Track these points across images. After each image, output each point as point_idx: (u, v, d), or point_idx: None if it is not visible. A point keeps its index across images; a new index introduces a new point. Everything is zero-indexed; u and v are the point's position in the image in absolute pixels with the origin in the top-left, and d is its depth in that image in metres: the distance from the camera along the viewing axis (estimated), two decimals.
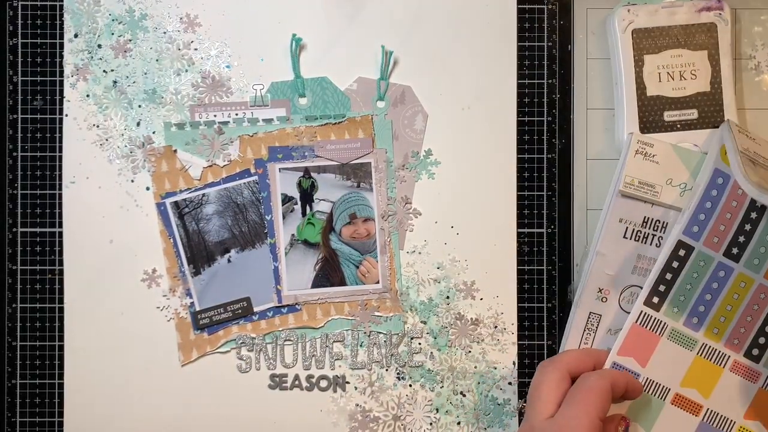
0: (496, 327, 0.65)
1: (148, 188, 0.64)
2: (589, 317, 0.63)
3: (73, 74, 0.63)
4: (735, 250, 0.59)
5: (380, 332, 0.64)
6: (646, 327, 0.60)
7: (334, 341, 0.64)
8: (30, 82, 0.64)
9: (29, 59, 0.64)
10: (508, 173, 0.65)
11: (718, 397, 0.60)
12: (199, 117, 0.63)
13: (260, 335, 0.64)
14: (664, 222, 0.63)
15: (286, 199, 0.64)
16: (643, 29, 0.62)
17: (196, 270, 0.64)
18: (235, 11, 0.64)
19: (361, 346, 0.64)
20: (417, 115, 0.64)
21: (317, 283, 0.64)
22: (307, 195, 0.64)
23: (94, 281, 0.63)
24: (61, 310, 0.64)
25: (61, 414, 0.64)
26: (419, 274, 0.65)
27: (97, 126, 0.63)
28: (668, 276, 0.60)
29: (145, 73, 0.64)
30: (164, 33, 0.64)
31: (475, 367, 0.65)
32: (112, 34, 0.63)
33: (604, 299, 0.62)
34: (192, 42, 0.64)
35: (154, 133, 0.64)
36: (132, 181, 0.64)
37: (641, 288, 0.61)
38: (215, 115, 0.64)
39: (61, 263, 0.64)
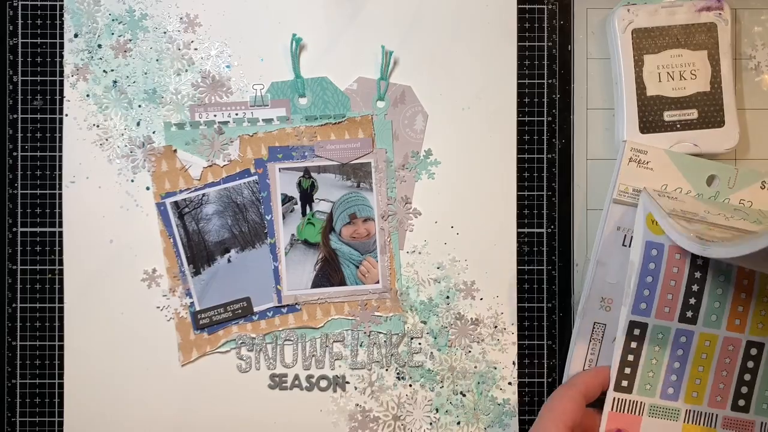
0: (496, 327, 0.65)
1: (148, 188, 0.64)
2: (594, 327, 0.63)
3: (73, 74, 0.63)
4: (689, 314, 0.58)
5: (380, 332, 0.64)
6: (623, 411, 0.59)
7: (334, 341, 0.64)
8: (30, 82, 0.64)
9: (29, 59, 0.64)
10: (508, 173, 0.65)
11: None
12: (199, 117, 0.63)
13: (260, 335, 0.64)
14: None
15: (286, 199, 0.64)
16: (643, 29, 0.62)
17: (196, 270, 0.64)
18: (235, 11, 0.64)
19: (361, 346, 0.64)
20: (417, 115, 0.64)
21: (317, 283, 0.64)
22: (307, 195, 0.64)
23: (94, 281, 0.63)
24: (61, 310, 0.64)
25: (61, 414, 0.64)
26: (419, 274, 0.65)
27: (97, 126, 0.63)
28: (630, 358, 0.59)
29: (145, 73, 0.64)
30: (164, 33, 0.64)
31: (475, 367, 0.65)
32: (112, 34, 0.63)
33: (607, 308, 0.62)
34: (192, 42, 0.64)
35: (154, 133, 0.64)
36: (132, 181, 0.64)
37: None
38: (215, 115, 0.64)
39: (61, 263, 0.64)
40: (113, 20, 0.63)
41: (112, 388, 0.64)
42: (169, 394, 0.64)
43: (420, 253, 0.65)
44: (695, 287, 0.58)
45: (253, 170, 0.64)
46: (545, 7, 0.65)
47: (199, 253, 0.64)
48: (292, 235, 0.64)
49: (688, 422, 0.59)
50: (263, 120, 0.64)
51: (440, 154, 0.64)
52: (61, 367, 0.64)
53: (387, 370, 0.65)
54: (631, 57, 0.63)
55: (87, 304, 0.63)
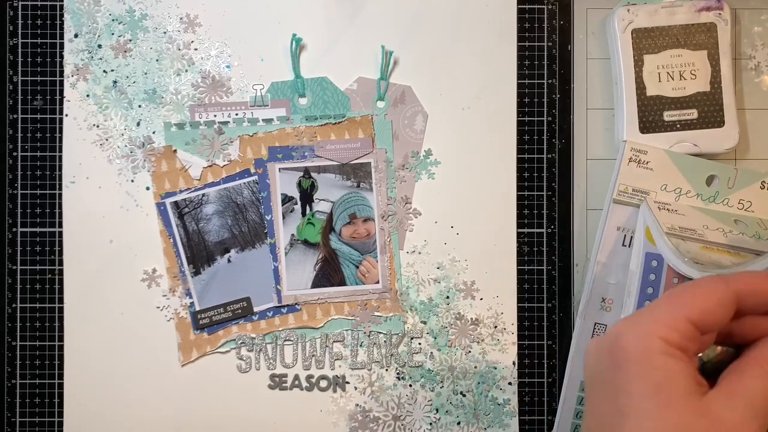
0: (496, 327, 0.65)
1: (148, 188, 0.64)
2: (594, 328, 0.63)
3: (73, 74, 0.63)
4: None
5: (380, 332, 0.64)
6: None
7: (334, 341, 0.64)
8: (30, 82, 0.64)
9: (29, 59, 0.64)
10: (508, 173, 0.65)
11: None
12: (199, 117, 0.63)
13: (260, 335, 0.64)
14: None
15: (286, 199, 0.64)
16: (643, 29, 0.62)
17: (196, 270, 0.64)
18: (235, 11, 0.64)
19: (361, 346, 0.64)
20: (417, 115, 0.64)
21: (317, 283, 0.64)
22: (307, 195, 0.64)
23: (94, 281, 0.63)
24: (61, 310, 0.64)
25: (61, 414, 0.64)
26: (419, 274, 0.65)
27: (97, 126, 0.63)
28: None
29: (145, 73, 0.64)
30: (164, 33, 0.64)
31: (475, 367, 0.64)
32: (112, 34, 0.63)
33: (608, 309, 0.62)
34: (192, 42, 0.64)
35: (154, 133, 0.64)
36: (132, 181, 0.64)
37: None
38: (215, 115, 0.64)
39: (61, 263, 0.64)
40: (113, 20, 0.63)
41: (112, 388, 0.64)
42: (169, 394, 0.64)
43: (420, 253, 0.65)
44: None
45: (253, 170, 0.64)
46: (545, 7, 0.65)
47: (199, 253, 0.64)
48: (292, 235, 0.64)
49: None
50: (263, 120, 0.64)
51: (440, 154, 0.64)
52: (61, 367, 0.64)
53: (387, 370, 0.65)
54: (631, 57, 0.63)
55: (87, 304, 0.63)
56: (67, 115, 0.63)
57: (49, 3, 0.64)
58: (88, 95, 0.63)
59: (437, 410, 0.64)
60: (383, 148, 0.64)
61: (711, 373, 0.39)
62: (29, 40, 0.64)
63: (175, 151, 0.63)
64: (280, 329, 0.64)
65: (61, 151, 0.64)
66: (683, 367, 0.36)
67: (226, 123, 0.64)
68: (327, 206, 0.64)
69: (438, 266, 0.65)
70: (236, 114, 0.64)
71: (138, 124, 0.64)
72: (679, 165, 0.62)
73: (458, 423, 0.65)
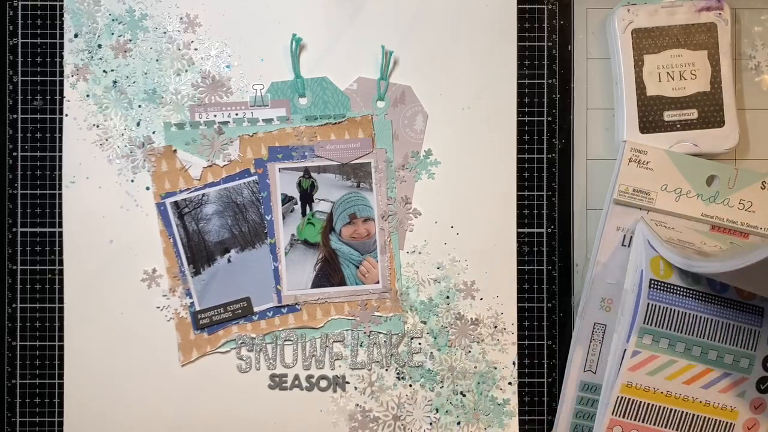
0: (496, 327, 0.65)
1: (148, 188, 0.64)
2: (594, 328, 0.63)
3: (73, 74, 0.63)
4: None
5: (380, 332, 0.64)
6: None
7: (334, 341, 0.64)
8: (30, 82, 0.64)
9: (29, 59, 0.64)
10: (508, 173, 0.65)
11: None
12: (199, 117, 0.63)
13: (260, 335, 0.64)
14: None
15: (286, 199, 0.64)
16: (643, 29, 0.63)
17: (196, 270, 0.64)
18: (235, 11, 0.64)
19: (361, 346, 0.64)
20: (417, 115, 0.64)
21: (317, 283, 0.64)
22: (307, 195, 0.64)
23: (94, 281, 0.63)
24: (61, 310, 0.64)
25: (61, 414, 0.64)
26: (419, 274, 0.65)
27: (97, 126, 0.63)
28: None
29: (145, 73, 0.64)
30: (164, 33, 0.64)
31: (475, 367, 0.65)
32: (112, 34, 0.63)
33: (607, 308, 0.62)
34: (192, 42, 0.64)
35: (154, 133, 0.64)
36: (132, 181, 0.64)
37: None
38: (215, 115, 0.64)
39: (61, 263, 0.64)
40: (113, 20, 0.63)
41: (112, 388, 0.64)
42: (169, 394, 0.64)
43: (420, 253, 0.65)
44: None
45: (253, 170, 0.64)
46: (545, 7, 0.65)
47: (199, 253, 0.64)
48: (292, 235, 0.64)
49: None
50: (263, 120, 0.64)
51: (440, 154, 0.64)
52: (61, 367, 0.64)
53: (387, 370, 0.65)
54: (631, 57, 0.63)
55: (87, 304, 0.63)
56: (67, 115, 0.63)
57: (49, 3, 0.64)
58: (88, 95, 0.63)
59: (437, 410, 0.65)
60: (383, 148, 0.64)
61: None
62: (29, 40, 0.64)
63: (175, 151, 0.63)
64: (280, 329, 0.64)
65: (61, 151, 0.64)
66: None
67: (226, 123, 0.64)
68: (327, 206, 0.64)
69: (438, 266, 0.65)
70: (236, 114, 0.64)
71: (138, 124, 0.64)
72: (679, 165, 0.62)
73: (458, 423, 0.65)
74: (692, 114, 0.63)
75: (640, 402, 0.58)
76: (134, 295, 0.64)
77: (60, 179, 0.64)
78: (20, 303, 0.64)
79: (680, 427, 0.58)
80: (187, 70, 0.64)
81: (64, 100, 0.63)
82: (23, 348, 0.64)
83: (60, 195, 0.64)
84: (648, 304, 0.57)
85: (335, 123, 0.64)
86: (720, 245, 0.60)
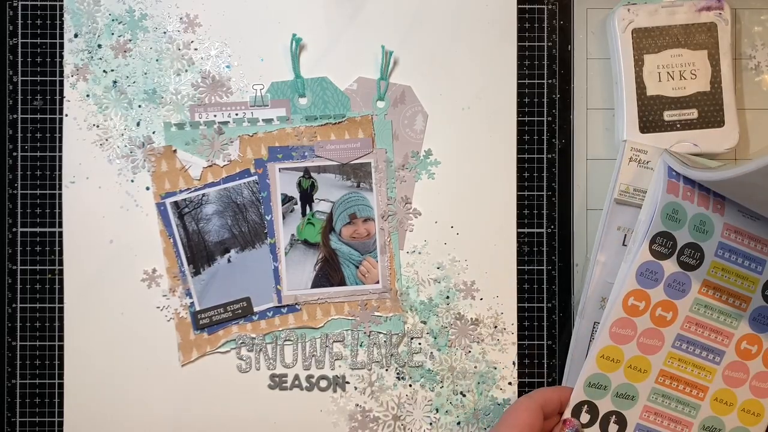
0: (496, 327, 0.65)
1: (148, 188, 0.64)
2: (594, 327, 0.63)
3: (73, 74, 0.63)
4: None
5: (380, 332, 0.64)
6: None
7: (334, 341, 0.64)
8: (30, 82, 0.64)
9: (29, 59, 0.64)
10: (508, 173, 0.65)
11: None
12: (199, 117, 0.63)
13: (260, 335, 0.64)
14: None
15: (286, 199, 0.64)
16: (643, 29, 0.62)
17: (196, 270, 0.64)
18: (235, 11, 0.64)
19: (361, 346, 0.64)
20: (417, 115, 0.64)
21: (317, 283, 0.64)
22: (307, 195, 0.64)
23: (94, 281, 0.63)
24: (61, 310, 0.64)
25: (61, 414, 0.64)
26: (419, 274, 0.65)
27: (97, 126, 0.63)
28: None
29: (145, 73, 0.64)
30: (164, 33, 0.64)
31: (475, 367, 0.64)
32: (112, 34, 0.63)
33: None
34: (192, 42, 0.64)
35: (154, 133, 0.64)
36: (132, 181, 0.64)
37: None
38: (215, 115, 0.64)
39: (61, 263, 0.64)
40: (113, 20, 0.63)
41: (112, 388, 0.64)
42: (169, 394, 0.64)
43: (420, 253, 0.65)
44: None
45: (253, 170, 0.64)
46: (545, 7, 0.65)
47: (199, 253, 0.64)
48: (292, 235, 0.64)
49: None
50: (263, 120, 0.64)
51: (440, 154, 0.64)
52: (61, 367, 0.64)
53: (387, 370, 0.65)
54: (631, 57, 0.63)
55: (87, 304, 0.63)
56: (67, 115, 0.63)
57: (48, 3, 0.64)
58: (88, 95, 0.63)
59: (437, 410, 0.65)
60: (383, 148, 0.64)
61: None
62: (29, 40, 0.64)
63: (175, 151, 0.63)
64: (280, 329, 0.64)
65: (61, 151, 0.64)
66: None
67: (226, 123, 0.64)
68: (327, 206, 0.64)
69: (438, 266, 0.65)
70: (236, 114, 0.64)
71: (138, 124, 0.64)
72: None
73: (458, 423, 0.65)
74: (692, 114, 0.63)
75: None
76: (134, 295, 0.64)
77: (60, 179, 0.64)
78: (20, 303, 0.64)
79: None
80: (187, 70, 0.64)
81: (64, 100, 0.63)
82: (23, 348, 0.64)
83: (60, 195, 0.64)
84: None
85: (335, 123, 0.64)
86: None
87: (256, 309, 0.64)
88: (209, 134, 0.63)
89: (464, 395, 0.65)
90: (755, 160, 0.47)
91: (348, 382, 0.65)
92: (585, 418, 0.59)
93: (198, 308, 0.64)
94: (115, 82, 0.63)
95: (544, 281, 0.65)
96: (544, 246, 0.65)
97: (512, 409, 0.57)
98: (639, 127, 0.63)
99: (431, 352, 0.65)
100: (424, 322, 0.64)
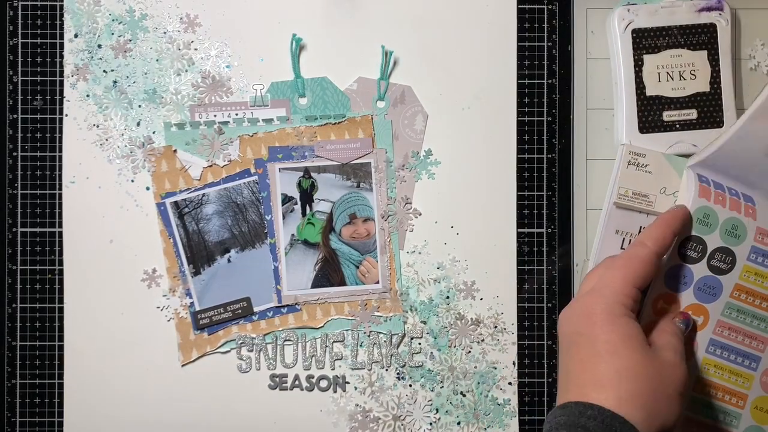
0: (496, 327, 0.65)
1: (148, 188, 0.64)
2: None
3: (73, 74, 0.63)
4: None
5: (380, 332, 0.64)
6: None
7: (334, 341, 0.64)
8: (30, 82, 0.64)
9: (29, 59, 0.64)
10: (508, 173, 0.65)
11: None
12: (199, 117, 0.63)
13: (260, 335, 0.64)
14: None
15: (286, 199, 0.64)
16: (643, 29, 0.63)
17: (196, 270, 0.64)
18: (235, 11, 0.64)
19: (361, 346, 0.64)
20: (417, 115, 0.64)
21: (317, 283, 0.64)
22: (307, 195, 0.64)
23: (94, 281, 0.63)
24: (61, 310, 0.64)
25: (61, 414, 0.64)
26: (419, 274, 0.65)
27: (97, 126, 0.63)
28: None
29: (145, 73, 0.64)
30: (164, 33, 0.64)
31: (475, 367, 0.64)
32: (112, 34, 0.63)
33: None
34: (192, 42, 0.64)
35: (154, 133, 0.64)
36: (132, 181, 0.64)
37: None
38: (215, 115, 0.64)
39: (61, 263, 0.64)
40: (113, 20, 0.63)
41: (112, 388, 0.64)
42: (169, 394, 0.64)
43: (420, 253, 0.65)
44: None
45: (253, 170, 0.64)
46: (545, 7, 0.65)
47: (199, 253, 0.64)
48: (292, 235, 0.64)
49: None
50: (263, 120, 0.64)
51: (440, 154, 0.64)
52: (61, 367, 0.64)
53: (387, 370, 0.65)
54: (631, 57, 0.63)
55: (87, 304, 0.63)
56: (67, 115, 0.63)
57: (49, 3, 0.64)
58: (88, 95, 0.63)
59: (437, 410, 0.65)
60: (383, 148, 0.64)
61: None
62: (29, 40, 0.64)
63: (175, 151, 0.63)
64: (280, 329, 0.64)
65: (61, 151, 0.64)
66: (637, 325, 0.51)
67: (226, 123, 0.64)
68: (327, 206, 0.64)
69: (438, 266, 0.65)
70: (236, 114, 0.64)
71: (138, 124, 0.64)
72: (678, 168, 0.62)
73: (458, 423, 0.65)
74: (692, 114, 0.63)
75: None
76: (134, 295, 0.64)
77: (60, 179, 0.64)
78: (20, 303, 0.64)
79: None
80: (187, 70, 0.64)
81: (64, 100, 0.63)
82: (23, 348, 0.64)
83: (60, 195, 0.64)
84: None
85: (335, 123, 0.64)
86: None
87: (256, 309, 0.64)
88: (209, 134, 0.63)
89: (464, 395, 0.65)
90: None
91: (348, 382, 0.65)
92: None
93: (198, 308, 0.64)
94: (115, 82, 0.63)
95: (544, 281, 0.65)
96: (544, 246, 0.65)
97: (634, 257, 0.54)
98: (638, 127, 0.63)
99: (431, 352, 0.65)
100: (424, 322, 0.64)
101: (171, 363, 0.64)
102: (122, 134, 0.64)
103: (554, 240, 0.65)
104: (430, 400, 0.64)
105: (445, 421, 0.64)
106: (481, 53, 0.65)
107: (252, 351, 0.64)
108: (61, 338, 0.64)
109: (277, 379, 0.64)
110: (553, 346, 0.65)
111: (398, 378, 0.65)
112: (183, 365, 0.64)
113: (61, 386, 0.64)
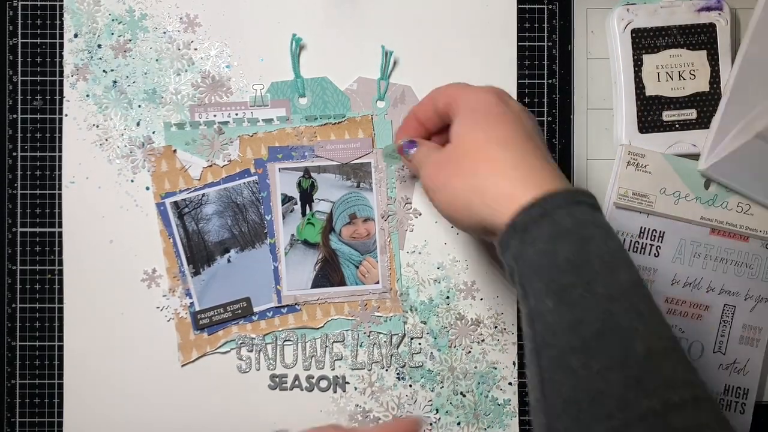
0: (496, 327, 0.65)
1: (147, 188, 0.64)
2: None
3: (72, 74, 0.63)
4: None
5: (380, 332, 0.64)
6: None
7: (334, 341, 0.64)
8: (30, 82, 0.64)
9: (29, 59, 0.64)
10: None
11: None
12: (198, 117, 0.63)
13: (260, 335, 0.64)
14: (661, 232, 0.63)
15: (286, 199, 0.64)
16: (643, 29, 0.63)
17: (195, 270, 0.64)
18: (235, 11, 0.64)
19: (361, 346, 0.64)
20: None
21: (317, 283, 0.64)
22: (306, 195, 0.64)
23: (93, 281, 0.63)
24: (61, 310, 0.64)
25: (60, 414, 0.64)
26: (419, 274, 0.65)
27: (97, 126, 0.63)
28: None
29: (145, 73, 0.64)
30: (164, 33, 0.64)
31: (476, 368, 0.64)
32: (112, 34, 0.63)
33: None
34: (192, 42, 0.64)
35: (153, 133, 0.63)
36: (132, 181, 0.64)
37: None
38: (215, 115, 0.64)
39: (60, 263, 0.64)
40: (113, 20, 0.63)
41: (112, 388, 0.64)
42: (168, 394, 0.64)
43: (420, 253, 0.65)
44: None
45: (252, 170, 0.64)
46: (545, 7, 0.65)
47: (198, 254, 0.64)
48: (292, 235, 0.64)
49: None
50: (263, 120, 0.64)
51: None
52: (61, 367, 0.64)
53: (387, 370, 0.64)
54: (631, 57, 0.63)
55: (87, 304, 0.63)
56: (66, 115, 0.63)
57: (49, 3, 0.64)
58: (87, 95, 0.63)
59: (437, 410, 0.64)
60: (383, 148, 0.64)
61: None
62: (29, 40, 0.64)
63: (174, 151, 0.63)
64: (280, 329, 0.64)
65: (60, 151, 0.64)
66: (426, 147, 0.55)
67: (226, 123, 0.64)
68: (327, 206, 0.64)
69: (438, 266, 0.65)
70: (236, 114, 0.64)
71: (138, 124, 0.64)
72: (677, 168, 0.62)
73: (458, 423, 0.65)
74: (691, 114, 0.63)
75: None
76: (134, 296, 0.63)
77: (60, 179, 0.64)
78: (20, 303, 0.64)
79: None
80: (186, 70, 0.64)
81: (64, 100, 0.63)
82: (23, 348, 0.64)
83: (60, 195, 0.64)
84: None
85: (335, 123, 0.64)
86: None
87: (255, 309, 0.64)
88: (209, 134, 0.63)
89: (464, 395, 0.65)
90: None
91: (348, 383, 0.65)
92: None
93: (198, 308, 0.64)
94: (115, 82, 0.63)
95: None
96: None
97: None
98: (638, 127, 0.63)
99: (431, 353, 0.65)
100: (425, 323, 0.64)
101: (171, 363, 0.64)
102: (122, 134, 0.63)
103: None
104: (430, 401, 0.64)
105: (445, 422, 0.64)
106: (481, 53, 0.65)
107: (252, 351, 0.64)
108: (60, 338, 0.64)
109: (277, 380, 0.64)
110: None
111: (398, 378, 0.65)
112: (183, 365, 0.64)
113: (60, 386, 0.64)
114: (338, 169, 0.64)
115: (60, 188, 0.64)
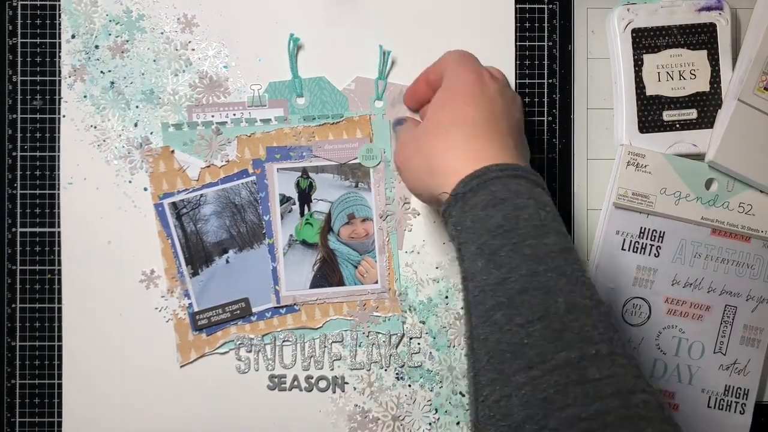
0: None
1: (145, 189, 0.64)
2: None
3: (70, 75, 0.63)
4: None
5: (379, 332, 0.64)
6: None
7: (332, 342, 0.64)
8: (29, 82, 0.64)
9: (29, 59, 0.64)
10: None
11: None
12: (196, 117, 0.63)
13: (259, 336, 0.64)
14: (661, 232, 0.62)
15: (284, 200, 0.64)
16: (643, 29, 0.62)
17: (194, 271, 0.64)
18: (233, 11, 0.64)
19: (359, 346, 0.64)
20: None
21: (316, 283, 0.64)
22: (305, 195, 0.64)
23: (92, 282, 0.64)
24: (60, 310, 0.64)
25: (60, 414, 0.64)
26: (418, 274, 0.64)
27: (95, 127, 0.63)
28: None
29: (143, 74, 0.63)
30: (161, 33, 0.63)
31: None
32: (110, 34, 0.63)
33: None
34: (189, 42, 0.64)
35: (151, 133, 0.63)
36: (130, 181, 0.64)
37: (643, 300, 0.61)
38: (213, 116, 0.63)
39: (59, 264, 0.64)
40: (110, 21, 0.63)
41: (111, 388, 0.64)
42: (167, 395, 0.64)
43: (419, 253, 0.64)
44: None
45: (251, 171, 0.64)
46: (545, 6, 0.65)
47: (197, 254, 0.64)
48: (291, 235, 0.64)
49: None
50: (261, 120, 0.63)
51: None
52: (60, 367, 0.64)
53: (386, 370, 0.65)
54: (631, 56, 0.62)
55: (85, 304, 0.64)
56: (64, 116, 0.63)
57: (48, 3, 0.63)
58: (85, 96, 0.63)
59: (436, 410, 0.64)
60: (381, 148, 0.64)
61: None
62: (28, 40, 0.64)
63: (172, 151, 0.63)
64: (279, 330, 0.64)
65: (59, 151, 0.64)
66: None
67: (223, 123, 0.63)
68: (325, 206, 0.64)
69: (437, 266, 0.65)
70: (234, 114, 0.63)
71: (135, 124, 0.63)
72: (677, 169, 0.62)
73: (457, 423, 0.65)
74: (691, 114, 0.63)
75: None
76: (133, 296, 0.64)
77: (58, 180, 0.64)
78: (19, 303, 0.64)
79: None
80: (184, 71, 0.64)
81: (62, 100, 0.63)
82: (22, 348, 0.64)
83: (58, 195, 0.64)
84: None
85: (333, 123, 0.64)
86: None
87: (254, 310, 0.64)
88: (207, 135, 0.63)
89: (464, 395, 0.65)
90: None
91: (347, 383, 0.65)
92: None
93: (196, 309, 0.64)
94: (112, 82, 0.63)
95: None
96: None
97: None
98: (638, 127, 0.62)
99: (430, 352, 0.64)
100: (423, 322, 0.64)
101: (169, 364, 0.64)
102: (120, 135, 0.63)
103: None
104: (430, 400, 0.64)
105: (445, 421, 0.64)
106: (480, 53, 0.64)
107: (251, 352, 0.64)
108: (59, 338, 0.64)
109: (276, 380, 0.64)
110: None
111: (397, 378, 0.65)
112: (181, 366, 0.64)
113: (60, 386, 0.64)
114: (336, 169, 0.64)
115: (58, 189, 0.64)
